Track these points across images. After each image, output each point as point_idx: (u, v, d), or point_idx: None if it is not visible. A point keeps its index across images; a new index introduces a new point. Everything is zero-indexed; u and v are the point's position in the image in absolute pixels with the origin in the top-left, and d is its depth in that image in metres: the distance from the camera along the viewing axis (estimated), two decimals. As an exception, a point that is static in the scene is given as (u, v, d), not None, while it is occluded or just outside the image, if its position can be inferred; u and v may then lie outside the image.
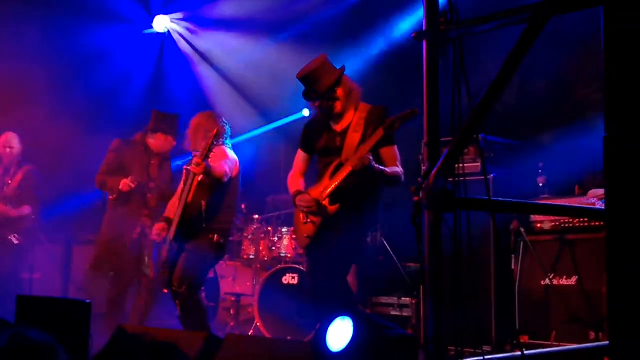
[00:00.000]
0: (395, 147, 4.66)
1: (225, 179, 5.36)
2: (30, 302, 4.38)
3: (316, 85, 4.65)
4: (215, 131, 5.24)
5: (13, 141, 7.33)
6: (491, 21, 2.47)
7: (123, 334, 3.91)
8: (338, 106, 4.68)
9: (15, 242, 7.15)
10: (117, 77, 9.10)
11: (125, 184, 6.16)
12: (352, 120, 4.69)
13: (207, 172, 5.17)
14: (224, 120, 5.67)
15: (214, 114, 5.73)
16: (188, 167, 5.53)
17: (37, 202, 7.29)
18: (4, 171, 7.29)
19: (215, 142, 5.29)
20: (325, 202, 4.60)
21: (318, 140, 4.81)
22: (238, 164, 5.59)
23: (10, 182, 7.13)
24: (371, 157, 4.37)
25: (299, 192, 4.74)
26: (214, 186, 5.41)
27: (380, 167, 4.47)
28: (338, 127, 4.74)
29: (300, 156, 4.99)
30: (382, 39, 8.03)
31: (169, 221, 5.47)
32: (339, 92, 4.66)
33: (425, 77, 2.50)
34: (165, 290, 5.38)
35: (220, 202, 5.48)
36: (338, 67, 4.71)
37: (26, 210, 7.16)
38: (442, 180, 2.30)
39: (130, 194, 6.25)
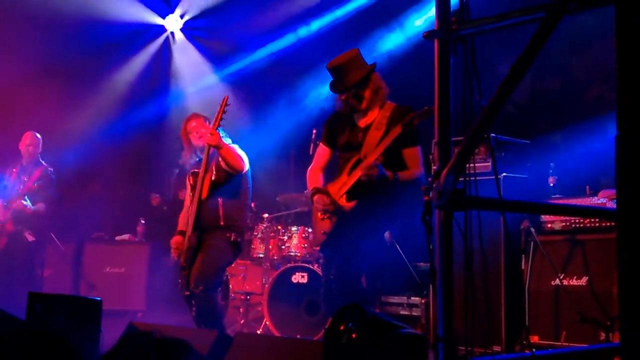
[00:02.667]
0: (419, 147, 4.62)
1: (244, 167, 5.35)
2: (42, 299, 4.40)
3: (344, 78, 4.63)
4: (220, 108, 5.25)
5: (34, 140, 7.44)
6: (503, 20, 2.46)
7: (134, 331, 3.92)
8: (364, 103, 4.66)
9: (30, 239, 7.22)
10: (127, 73, 9.14)
11: None
12: (375, 118, 4.67)
13: (223, 151, 5.15)
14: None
15: (205, 116, 5.71)
16: (194, 170, 5.53)
17: (51, 201, 7.36)
18: (22, 169, 7.38)
19: (223, 119, 5.28)
20: (342, 200, 4.59)
21: (341, 135, 4.79)
22: (247, 162, 5.60)
23: (26, 179, 7.20)
24: (379, 166, 4.36)
25: (317, 190, 4.73)
26: (230, 183, 5.39)
27: (393, 174, 4.44)
28: (361, 123, 4.73)
29: (322, 150, 4.97)
30: (394, 38, 8.02)
31: (183, 234, 5.47)
32: (367, 88, 4.65)
33: (436, 76, 2.49)
34: (187, 293, 5.33)
35: (236, 200, 5.47)
36: (369, 64, 4.69)
37: (41, 207, 7.22)
38: (453, 180, 2.29)
39: None
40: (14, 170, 7.45)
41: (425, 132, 4.75)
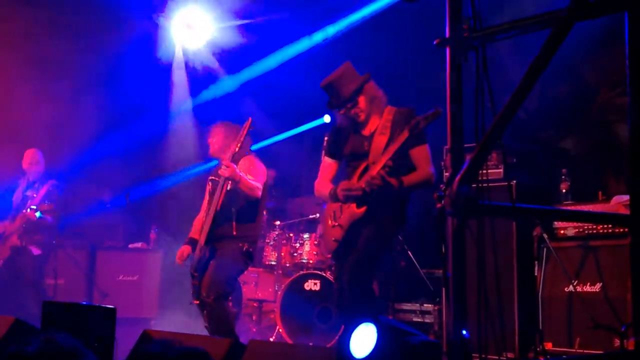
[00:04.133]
0: (426, 145, 4.60)
1: (259, 194, 5.38)
2: (55, 308, 4.42)
3: (338, 93, 4.67)
4: (243, 131, 5.26)
5: (35, 158, 7.47)
6: (515, 28, 2.47)
7: (148, 340, 3.94)
8: (361, 115, 4.68)
9: (35, 252, 7.26)
10: (138, 81, 9.17)
11: None
12: (378, 124, 4.69)
13: (238, 182, 5.19)
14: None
15: (238, 125, 5.71)
16: (213, 177, 5.55)
17: (56, 215, 7.38)
18: (28, 185, 7.43)
19: (242, 148, 5.31)
20: (352, 207, 4.59)
21: (345, 145, 4.81)
22: (266, 172, 5.61)
23: (34, 195, 7.24)
24: (382, 177, 4.36)
25: (336, 186, 4.72)
26: (245, 194, 5.41)
27: (397, 181, 4.44)
28: (365, 132, 4.74)
29: (327, 163, 4.96)
30: (403, 45, 8.02)
31: (193, 242, 5.48)
32: (361, 99, 4.66)
33: (448, 83, 2.50)
34: (197, 302, 5.36)
35: (251, 210, 5.49)
36: (362, 75, 4.71)
37: (48, 218, 7.25)
38: (465, 187, 2.30)
39: None
40: (21, 186, 7.50)
41: (436, 138, 4.77)
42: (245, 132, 5.26)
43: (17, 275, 7.24)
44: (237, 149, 5.25)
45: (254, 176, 5.41)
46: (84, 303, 5.03)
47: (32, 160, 7.49)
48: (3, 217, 7.49)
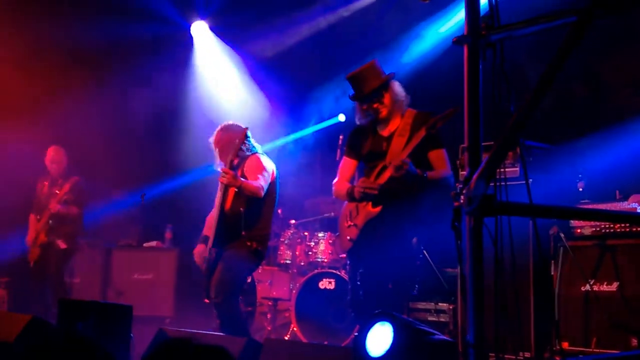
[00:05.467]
0: (444, 150, 4.64)
1: (262, 193, 5.36)
2: (72, 306, 4.45)
3: (362, 87, 4.68)
4: (238, 142, 5.26)
5: (57, 155, 7.53)
6: (532, 25, 2.45)
7: (164, 337, 3.95)
8: (384, 111, 4.69)
9: (62, 246, 7.31)
10: (150, 80, 9.21)
11: None
12: (398, 126, 4.69)
13: (239, 187, 5.20)
14: (243, 126, 5.59)
15: (233, 124, 5.69)
16: None
17: (82, 207, 7.45)
18: (52, 182, 7.48)
19: (242, 152, 5.31)
20: (368, 206, 4.59)
21: (364, 145, 4.81)
22: (274, 170, 5.59)
23: (58, 192, 7.29)
24: (409, 161, 4.36)
25: (353, 185, 4.72)
26: (249, 195, 5.40)
27: (422, 171, 4.45)
28: (384, 132, 4.75)
29: (346, 163, 4.97)
30: (421, 44, 8.02)
31: (206, 239, 5.49)
32: (386, 96, 4.68)
33: (466, 81, 2.48)
34: (207, 301, 5.38)
35: (259, 209, 5.47)
36: (388, 73, 4.73)
37: (74, 210, 7.33)
38: (483, 185, 2.29)
39: None
40: (45, 183, 7.55)
41: (451, 138, 4.76)
42: (240, 143, 5.26)
43: (43, 272, 7.31)
44: (234, 159, 5.26)
45: (257, 176, 5.39)
46: (101, 301, 5.06)
47: (53, 157, 7.56)
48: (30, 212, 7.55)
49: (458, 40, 2.52)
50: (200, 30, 9.47)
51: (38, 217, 7.40)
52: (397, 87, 4.76)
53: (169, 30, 9.20)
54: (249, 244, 5.40)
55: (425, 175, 4.49)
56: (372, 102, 4.69)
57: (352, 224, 4.73)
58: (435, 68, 7.73)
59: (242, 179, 5.25)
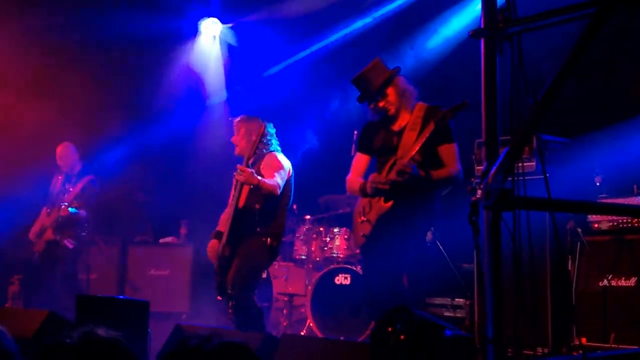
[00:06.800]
0: (455, 144, 4.59)
1: (278, 192, 5.35)
2: (90, 302, 4.47)
3: (367, 87, 4.67)
4: (256, 138, 5.26)
5: (64, 151, 7.53)
6: (550, 17, 2.43)
7: (181, 333, 3.97)
8: (391, 108, 4.67)
9: (70, 246, 7.32)
10: (158, 69, 9.23)
11: None
12: (409, 120, 4.67)
13: (256, 185, 5.19)
14: (267, 122, 5.62)
15: (257, 118, 5.68)
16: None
17: (92, 209, 7.44)
18: (67, 178, 7.49)
19: (259, 149, 5.31)
20: (380, 202, 4.58)
21: (376, 141, 4.80)
22: (290, 169, 5.59)
23: (71, 189, 7.31)
24: (413, 166, 4.34)
25: (365, 181, 4.71)
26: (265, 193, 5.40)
27: (426, 173, 4.42)
28: (395, 127, 4.73)
29: (359, 158, 4.96)
30: (436, 37, 7.98)
31: (219, 235, 5.49)
32: (390, 92, 4.66)
33: (483, 75, 2.47)
34: (219, 298, 5.38)
35: (274, 206, 5.46)
36: (392, 68, 4.70)
37: (82, 214, 7.30)
38: (502, 179, 2.27)
39: None
40: (60, 177, 7.57)
41: (465, 133, 4.73)
42: (257, 140, 5.26)
43: (51, 269, 7.32)
44: (251, 155, 5.25)
45: (274, 173, 5.38)
46: (119, 297, 5.08)
47: (61, 154, 7.55)
48: (42, 205, 7.58)
49: (475, 34, 2.50)
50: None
51: (48, 211, 7.42)
52: (402, 82, 4.72)
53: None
54: (263, 239, 5.40)
55: (429, 176, 4.46)
56: (377, 101, 4.68)
57: (365, 219, 4.72)
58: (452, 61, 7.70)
59: (258, 177, 5.24)
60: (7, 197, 7.97)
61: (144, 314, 4.09)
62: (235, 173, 5.30)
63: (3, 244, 8.05)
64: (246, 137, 5.51)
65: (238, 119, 5.70)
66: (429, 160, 4.52)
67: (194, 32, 9.47)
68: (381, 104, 4.69)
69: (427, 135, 4.39)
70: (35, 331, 4.23)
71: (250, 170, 5.18)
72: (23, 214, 7.87)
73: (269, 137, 5.53)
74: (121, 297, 5.30)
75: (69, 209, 7.04)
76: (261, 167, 5.47)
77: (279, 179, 5.37)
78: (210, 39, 9.53)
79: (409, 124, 4.65)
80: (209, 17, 9.37)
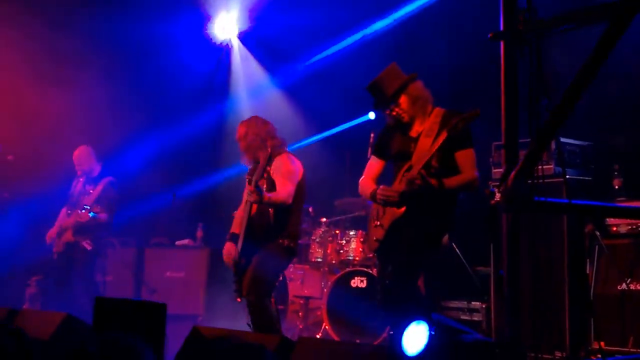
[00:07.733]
0: (472, 150, 4.54)
1: (290, 201, 5.32)
2: (107, 304, 4.47)
3: (380, 94, 4.65)
4: (267, 154, 5.25)
5: (81, 155, 7.54)
6: (571, 20, 2.42)
7: (198, 335, 3.97)
8: (405, 116, 4.64)
9: (88, 248, 7.34)
10: (175, 72, 9.26)
11: None
12: (426, 126, 4.64)
13: (267, 203, 5.18)
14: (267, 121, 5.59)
15: (257, 119, 5.64)
16: (249, 177, 5.53)
17: (112, 211, 7.46)
18: (87, 179, 7.51)
19: (266, 150, 5.29)
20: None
21: (392, 146, 4.77)
22: (302, 170, 5.54)
23: (91, 191, 7.33)
24: (423, 177, 4.31)
25: (377, 188, 4.68)
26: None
27: (437, 182, 4.39)
28: (413, 133, 4.69)
29: (373, 162, 4.94)
30: (451, 42, 7.94)
31: (234, 237, 5.48)
32: (403, 100, 4.61)
33: (502, 78, 2.47)
34: (239, 300, 5.38)
35: (289, 207, 5.46)
36: (408, 75, 4.67)
37: (103, 217, 7.32)
38: (521, 183, 2.26)
39: None
40: (81, 179, 7.59)
41: (481, 136, 4.70)
42: (264, 163, 5.23)
43: (69, 270, 7.35)
44: (263, 176, 5.24)
45: (285, 181, 5.36)
46: (135, 299, 5.08)
47: (77, 156, 7.57)
48: (62, 207, 7.61)
49: (495, 36, 2.49)
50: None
51: (69, 212, 7.45)
52: (417, 88, 4.66)
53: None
54: (280, 241, 5.39)
55: (440, 185, 4.42)
56: (390, 109, 4.66)
57: (378, 224, 4.70)
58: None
59: (268, 194, 5.22)
60: (26, 198, 8.02)
61: (161, 316, 4.08)
62: (245, 191, 5.29)
63: (21, 246, 8.09)
64: (253, 144, 5.48)
65: (240, 124, 5.67)
66: (446, 166, 4.49)
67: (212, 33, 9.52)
68: (394, 112, 4.66)
69: (439, 144, 4.36)
70: (52, 333, 4.22)
71: (258, 191, 5.10)
72: (41, 215, 7.91)
73: (274, 139, 5.52)
74: (139, 299, 5.31)
75: (90, 213, 7.05)
76: (272, 170, 5.43)
77: (290, 187, 5.34)
78: (232, 41, 9.58)
79: (425, 130, 4.61)
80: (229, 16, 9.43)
